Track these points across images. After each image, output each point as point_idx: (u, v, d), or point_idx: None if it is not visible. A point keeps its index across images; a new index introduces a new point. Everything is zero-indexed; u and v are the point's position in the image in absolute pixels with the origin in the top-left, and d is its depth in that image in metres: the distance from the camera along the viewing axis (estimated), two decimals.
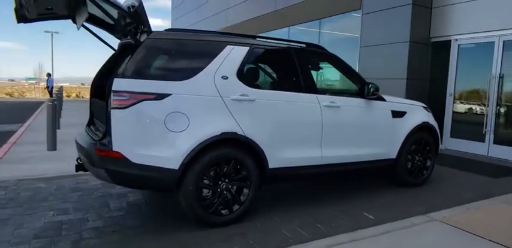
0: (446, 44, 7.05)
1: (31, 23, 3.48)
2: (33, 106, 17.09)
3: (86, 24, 3.54)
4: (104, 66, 3.76)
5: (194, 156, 2.84)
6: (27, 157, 5.70)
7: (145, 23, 2.91)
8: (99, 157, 2.78)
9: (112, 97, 2.70)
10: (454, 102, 7.06)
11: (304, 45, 3.73)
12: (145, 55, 2.85)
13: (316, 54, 3.83)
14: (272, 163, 3.24)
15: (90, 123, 3.76)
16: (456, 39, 6.88)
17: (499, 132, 6.38)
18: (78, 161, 3.40)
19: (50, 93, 19.63)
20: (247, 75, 3.21)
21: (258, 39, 3.42)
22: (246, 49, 3.22)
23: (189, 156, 2.82)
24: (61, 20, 3.62)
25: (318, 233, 3.03)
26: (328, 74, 7.82)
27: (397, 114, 4.14)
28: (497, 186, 4.68)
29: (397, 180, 4.37)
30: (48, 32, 36.29)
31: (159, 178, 2.82)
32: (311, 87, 3.56)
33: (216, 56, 3.07)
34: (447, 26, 6.96)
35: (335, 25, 9.73)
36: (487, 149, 6.47)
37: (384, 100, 4.06)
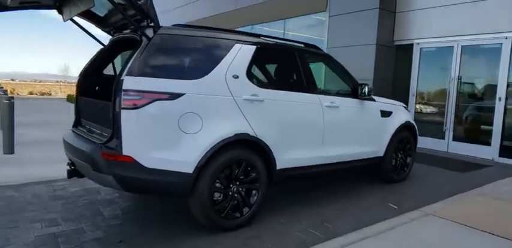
0: (409, 47, 7.48)
1: (8, 11, 3.10)
2: None
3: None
4: (91, 62, 3.46)
5: (208, 158, 2.72)
6: None
7: (154, 17, 2.71)
8: (107, 162, 2.54)
9: (122, 96, 2.49)
10: (416, 102, 7.52)
11: (302, 45, 3.73)
12: (156, 52, 2.66)
13: (313, 54, 3.85)
14: (279, 164, 3.20)
15: (78, 123, 3.45)
16: (418, 43, 7.34)
17: (457, 130, 6.92)
18: (71, 166, 3.08)
19: None
20: (255, 74, 3.13)
21: (262, 37, 3.36)
22: (253, 48, 3.14)
23: (204, 158, 2.70)
24: None
25: (329, 232, 3.06)
26: (322, 74, 7.88)
27: (385, 114, 4.32)
28: (467, 179, 5.06)
29: (382, 176, 4.55)
30: None
31: (172, 183, 2.66)
32: (313, 87, 3.57)
33: (226, 54, 2.96)
34: (410, 30, 7.39)
35: (300, 26, 9.89)
36: (446, 145, 6.99)
37: (374, 100, 4.20)
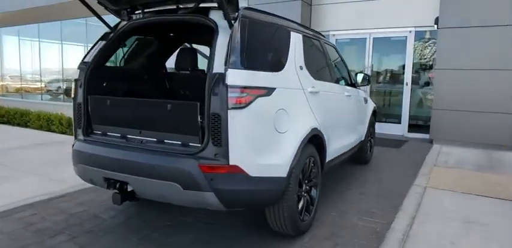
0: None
1: None
2: None
3: None
4: (100, 52, 2.63)
5: (298, 159, 2.47)
6: None
7: None
8: (207, 176, 2.04)
9: (228, 94, 2.02)
10: None
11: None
12: (248, 40, 2.22)
13: (327, 44, 3.79)
14: (328, 156, 3.14)
15: (90, 129, 2.60)
16: (334, 34, 7.99)
17: None
18: (119, 188, 2.31)
19: None
20: (309, 65, 2.94)
21: (299, 26, 3.15)
22: (301, 37, 2.94)
23: (295, 159, 2.44)
24: None
25: (383, 217, 3.17)
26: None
27: (365, 101, 4.64)
28: (407, 154, 5.89)
29: (360, 158, 4.90)
30: None
31: (270, 191, 2.32)
32: (336, 77, 3.58)
33: (289, 43, 2.70)
34: (325, 22, 7.97)
35: None
36: None
37: (360, 89, 4.46)
